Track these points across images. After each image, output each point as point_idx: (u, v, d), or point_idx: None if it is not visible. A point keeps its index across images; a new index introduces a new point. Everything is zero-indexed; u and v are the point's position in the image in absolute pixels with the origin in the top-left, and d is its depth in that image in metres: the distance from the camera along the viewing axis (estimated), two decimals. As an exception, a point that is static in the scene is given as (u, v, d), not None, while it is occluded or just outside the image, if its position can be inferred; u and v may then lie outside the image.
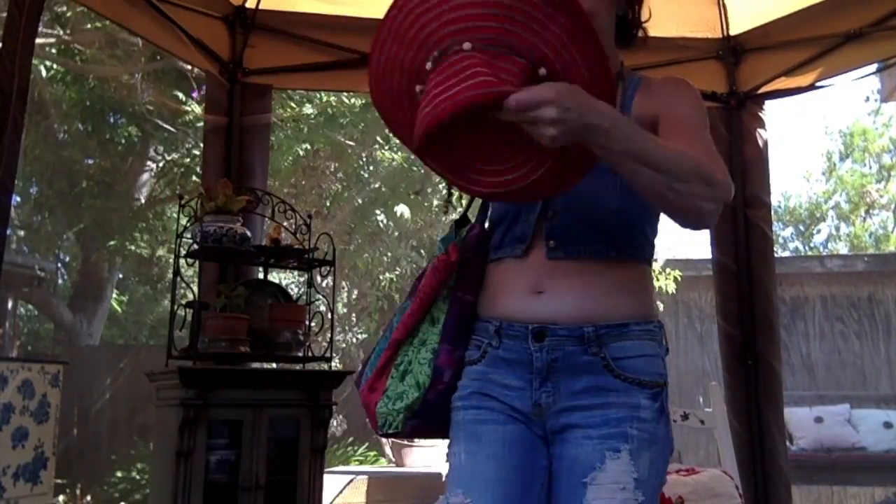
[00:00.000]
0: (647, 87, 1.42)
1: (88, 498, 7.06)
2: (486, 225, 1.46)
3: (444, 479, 1.43)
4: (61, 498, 6.79)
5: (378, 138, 7.05)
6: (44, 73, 7.10)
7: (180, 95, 6.90)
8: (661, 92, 1.40)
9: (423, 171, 6.90)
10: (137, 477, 6.91)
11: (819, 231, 16.53)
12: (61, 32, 6.80)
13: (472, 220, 1.49)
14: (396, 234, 7.15)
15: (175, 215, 3.23)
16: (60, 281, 10.93)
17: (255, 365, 3.01)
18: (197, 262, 2.96)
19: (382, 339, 1.48)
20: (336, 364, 7.05)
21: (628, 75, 1.45)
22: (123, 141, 7.85)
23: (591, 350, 1.30)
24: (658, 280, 7.42)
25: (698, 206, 1.19)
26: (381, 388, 1.42)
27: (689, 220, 1.23)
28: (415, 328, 1.43)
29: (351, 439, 7.82)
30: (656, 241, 1.44)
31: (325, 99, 6.78)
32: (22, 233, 9.37)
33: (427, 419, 1.40)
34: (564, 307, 1.30)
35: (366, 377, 1.46)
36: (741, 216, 3.38)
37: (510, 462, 1.32)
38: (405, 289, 7.33)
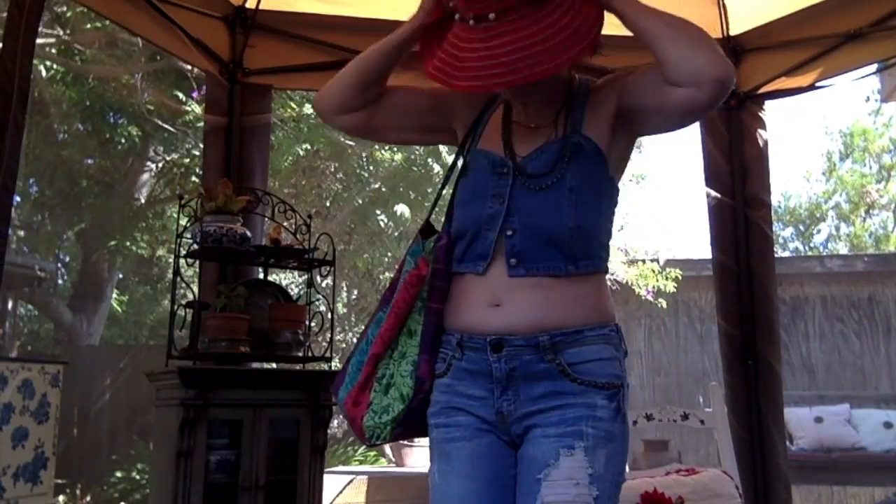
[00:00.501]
0: (595, 95, 1.46)
1: (88, 498, 7.06)
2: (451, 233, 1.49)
3: (430, 478, 1.47)
4: (61, 498, 6.79)
5: (378, 138, 7.04)
6: (44, 73, 7.10)
7: (180, 95, 6.90)
8: (611, 79, 1.47)
9: (423, 171, 6.91)
10: (137, 477, 6.91)
11: (819, 231, 16.53)
12: (61, 32, 6.80)
13: (438, 230, 1.52)
14: (396, 234, 7.15)
15: (175, 215, 3.22)
16: (60, 281, 10.93)
17: (255, 365, 3.01)
18: (197, 262, 2.96)
19: (359, 350, 1.51)
20: (336, 364, 7.03)
21: (577, 86, 1.48)
22: (123, 141, 7.84)
23: (546, 357, 1.35)
24: (658, 280, 7.43)
25: (707, 57, 1.29)
26: (365, 402, 1.46)
27: (699, 75, 1.28)
28: (393, 341, 1.47)
29: (351, 439, 7.81)
30: (610, 244, 1.47)
31: (325, 99, 6.77)
32: (22, 233, 9.36)
33: (410, 426, 1.46)
34: (520, 318, 1.35)
35: (346, 390, 1.49)
36: (741, 216, 3.38)
37: (481, 476, 1.39)
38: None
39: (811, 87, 3.31)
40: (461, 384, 1.42)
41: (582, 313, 1.37)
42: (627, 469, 2.93)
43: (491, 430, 1.40)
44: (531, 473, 1.33)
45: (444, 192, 1.64)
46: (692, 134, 4.00)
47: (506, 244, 1.38)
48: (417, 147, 6.97)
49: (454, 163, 1.56)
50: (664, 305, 7.60)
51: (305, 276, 3.03)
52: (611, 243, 1.48)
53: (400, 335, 1.47)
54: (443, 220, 1.54)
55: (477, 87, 1.33)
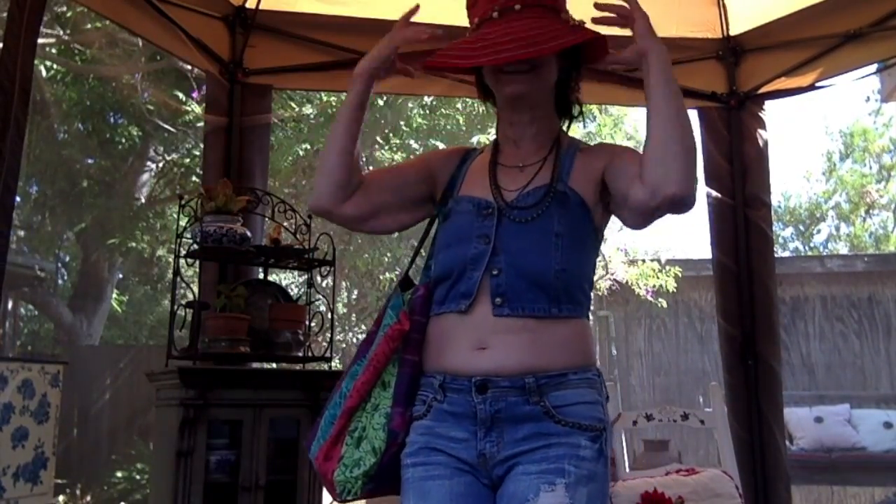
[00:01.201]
0: (587, 154, 1.50)
1: (88, 498, 7.06)
2: (429, 283, 1.50)
3: None
4: (61, 498, 6.79)
5: (378, 138, 7.06)
6: (44, 73, 7.10)
7: (180, 95, 6.90)
8: (603, 148, 1.53)
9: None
10: (137, 477, 6.91)
11: (819, 231, 16.54)
12: (61, 32, 6.80)
13: (416, 283, 1.53)
14: (397, 234, 7.14)
15: (175, 215, 3.22)
16: (60, 281, 10.93)
17: (255, 365, 3.01)
18: (197, 262, 2.96)
19: (333, 404, 1.49)
20: (336, 364, 7.04)
21: (567, 142, 1.53)
22: (123, 141, 7.85)
23: (532, 399, 1.35)
24: (658, 279, 7.43)
25: (680, 171, 1.32)
26: (336, 456, 1.44)
27: (662, 183, 1.33)
28: (367, 394, 1.46)
29: (351, 439, 7.82)
30: (592, 295, 1.52)
31: (325, 99, 6.78)
32: (22, 233, 9.36)
33: (382, 482, 1.44)
34: (507, 360, 1.35)
35: (318, 444, 1.47)
36: (741, 216, 3.38)
37: None
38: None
39: (811, 87, 3.31)
40: (441, 426, 1.41)
41: (566, 357, 1.38)
42: (627, 469, 2.94)
43: (470, 472, 1.39)
44: None
45: (422, 246, 1.66)
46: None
47: (491, 283, 1.38)
48: (417, 147, 6.98)
49: (433, 218, 1.59)
50: (664, 305, 7.60)
51: (305, 276, 3.03)
52: (594, 285, 1.51)
53: (374, 387, 1.46)
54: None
55: (499, 60, 1.38)
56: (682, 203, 1.33)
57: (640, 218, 1.40)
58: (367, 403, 1.46)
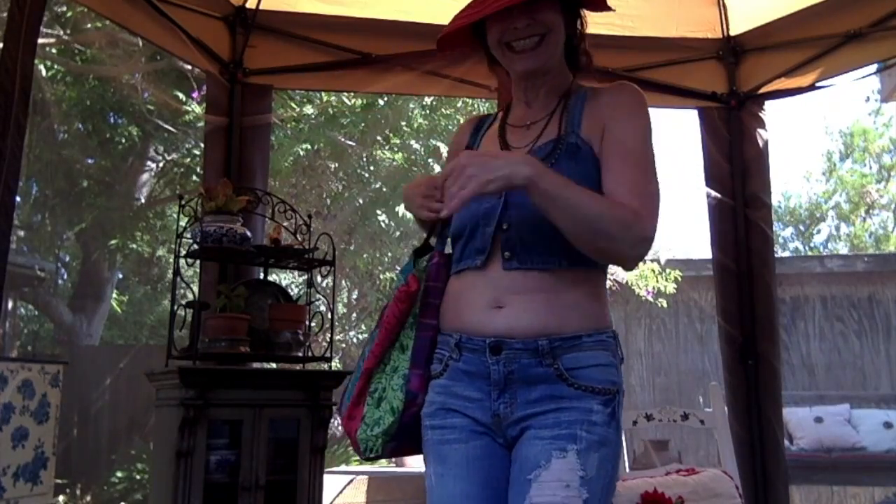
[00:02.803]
0: (594, 98, 1.48)
1: (88, 498, 7.06)
2: (446, 247, 1.52)
3: (427, 478, 1.48)
4: (61, 498, 6.79)
5: (378, 138, 7.06)
6: (44, 73, 7.10)
7: (180, 95, 6.90)
8: (609, 102, 1.46)
9: (424, 171, 6.90)
10: (137, 477, 6.91)
11: (819, 231, 16.54)
12: (61, 32, 6.79)
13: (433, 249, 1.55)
14: (397, 234, 7.15)
15: (175, 215, 3.22)
16: (60, 281, 10.93)
17: (256, 365, 3.01)
18: (197, 262, 2.96)
19: (357, 367, 1.54)
20: (336, 364, 7.05)
21: (575, 91, 1.51)
22: (123, 141, 7.84)
23: (545, 362, 1.35)
24: (658, 280, 7.43)
25: (617, 253, 1.35)
26: (358, 416, 1.48)
27: (613, 263, 1.39)
28: (384, 356, 1.49)
29: (351, 439, 7.81)
30: None
31: (325, 99, 6.78)
32: (22, 233, 9.36)
33: (404, 440, 1.46)
34: (520, 322, 1.36)
35: (345, 406, 1.52)
36: (741, 216, 3.38)
37: (476, 478, 1.39)
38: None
39: (811, 88, 3.31)
40: (457, 385, 1.42)
41: (580, 319, 1.37)
42: (627, 469, 2.94)
43: (486, 433, 1.40)
44: (522, 474, 1.33)
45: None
46: (692, 134, 4.00)
47: (501, 238, 1.40)
48: (418, 147, 6.98)
49: None
50: (664, 305, 7.60)
51: (305, 276, 3.03)
52: None
53: (392, 350, 1.49)
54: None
55: (501, 5, 1.37)
56: (641, 253, 1.36)
57: None
58: (387, 366, 1.49)
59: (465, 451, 1.40)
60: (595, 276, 1.43)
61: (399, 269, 1.57)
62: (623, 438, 1.42)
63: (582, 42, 1.53)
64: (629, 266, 1.39)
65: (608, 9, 1.47)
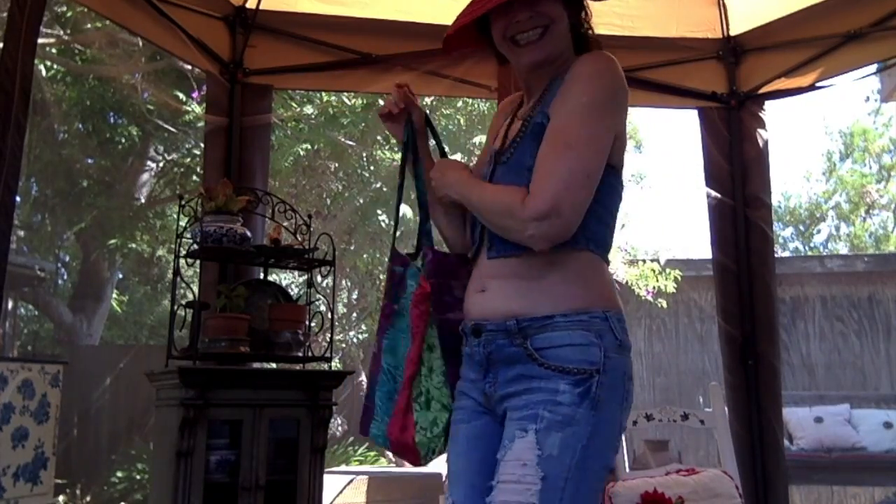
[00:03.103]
0: (568, 79, 1.46)
1: (88, 498, 7.06)
2: (433, 245, 1.61)
3: (444, 479, 1.50)
4: (61, 498, 6.79)
5: (378, 138, 7.05)
6: (44, 73, 7.10)
7: (180, 95, 6.90)
8: (570, 75, 1.45)
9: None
10: (137, 477, 6.91)
11: (819, 231, 16.53)
12: (61, 32, 6.79)
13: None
14: (398, 233, 7.14)
15: (175, 215, 3.22)
16: (60, 281, 10.93)
17: (256, 365, 3.01)
18: (197, 262, 2.96)
19: (381, 382, 1.58)
20: (336, 364, 7.05)
21: (567, 70, 1.48)
22: (123, 141, 7.84)
23: (515, 342, 1.40)
24: (658, 280, 7.43)
25: (517, 238, 1.39)
26: (411, 424, 1.52)
27: (522, 244, 1.41)
28: (419, 360, 1.55)
29: (351, 439, 7.82)
30: (607, 228, 1.48)
31: (325, 99, 6.78)
32: (22, 233, 9.36)
33: None
34: (493, 305, 1.43)
35: (384, 421, 1.55)
36: (741, 216, 3.38)
37: (474, 455, 1.47)
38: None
39: (811, 88, 3.31)
40: (465, 369, 1.52)
41: (553, 301, 1.39)
42: (627, 469, 2.94)
43: (486, 412, 1.47)
44: (496, 454, 1.40)
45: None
46: (692, 134, 4.00)
47: (487, 230, 1.48)
48: (418, 147, 6.97)
49: (402, 181, 1.78)
50: (664, 305, 7.60)
51: (305, 276, 3.03)
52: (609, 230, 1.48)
53: (422, 353, 1.55)
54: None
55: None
56: (541, 234, 1.36)
57: None
58: (422, 368, 1.54)
59: (467, 431, 1.48)
60: (577, 259, 1.41)
61: (409, 275, 1.60)
62: (615, 418, 1.38)
63: (588, 28, 1.54)
64: (537, 245, 1.37)
65: None
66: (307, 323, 2.87)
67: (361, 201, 7.14)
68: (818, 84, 3.29)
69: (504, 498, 1.32)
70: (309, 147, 6.76)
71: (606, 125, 1.40)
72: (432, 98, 6.82)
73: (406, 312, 1.56)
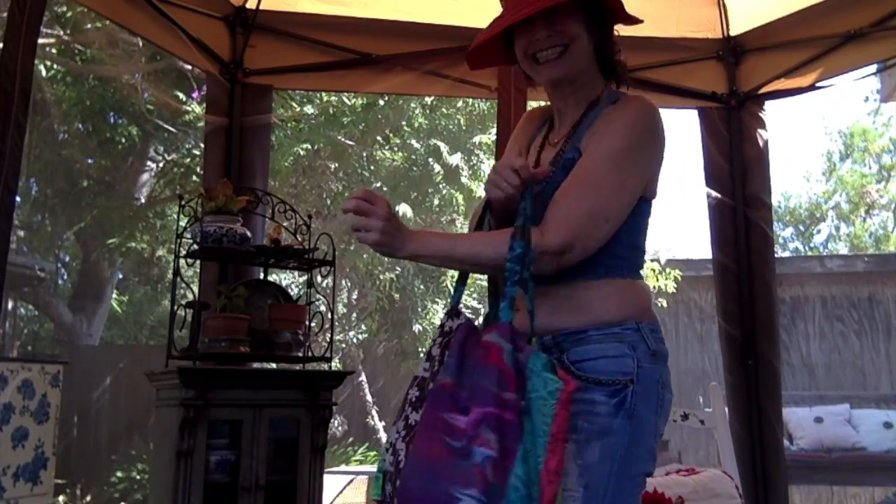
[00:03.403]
0: (605, 114, 1.50)
1: (88, 498, 7.06)
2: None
3: None
4: (61, 498, 6.80)
5: (378, 138, 7.06)
6: (44, 73, 7.10)
7: (180, 95, 6.90)
8: (608, 115, 1.49)
9: (424, 170, 6.91)
10: (137, 477, 6.92)
11: (819, 231, 16.53)
12: (61, 32, 6.80)
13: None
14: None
15: (175, 215, 3.23)
16: (60, 281, 10.93)
17: (256, 365, 3.01)
18: (197, 262, 2.96)
19: (514, 501, 1.21)
20: (336, 364, 7.04)
21: (604, 100, 1.53)
22: (123, 141, 7.85)
23: (553, 355, 1.40)
24: (658, 280, 7.43)
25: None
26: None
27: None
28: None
29: (351, 439, 7.82)
30: (637, 251, 1.52)
31: (325, 99, 6.78)
32: (22, 233, 9.36)
33: None
34: (532, 322, 1.40)
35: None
36: (741, 216, 3.39)
37: None
38: (406, 289, 7.32)
39: (811, 88, 3.31)
40: None
41: (587, 317, 1.43)
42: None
43: None
44: None
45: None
46: (692, 134, 4.00)
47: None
48: (418, 146, 6.98)
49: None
50: (664, 305, 7.60)
51: (305, 276, 3.03)
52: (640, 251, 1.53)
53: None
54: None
55: (519, 17, 1.43)
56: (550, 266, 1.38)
57: None
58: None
59: None
60: (612, 284, 1.46)
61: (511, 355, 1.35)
62: (650, 426, 1.42)
63: (615, 52, 1.56)
64: (542, 272, 1.38)
65: (636, 21, 1.50)
66: (307, 323, 2.87)
67: (361, 201, 7.13)
68: (818, 84, 3.29)
69: None
70: (309, 147, 6.76)
71: (640, 171, 1.46)
72: (432, 98, 6.82)
73: (533, 411, 1.27)
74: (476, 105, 7.05)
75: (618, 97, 1.54)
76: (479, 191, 6.72)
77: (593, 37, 1.51)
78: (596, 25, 1.51)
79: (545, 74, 1.51)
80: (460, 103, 7.08)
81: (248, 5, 3.24)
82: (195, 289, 2.84)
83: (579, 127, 1.51)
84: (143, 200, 8.57)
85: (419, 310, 7.35)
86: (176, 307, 2.66)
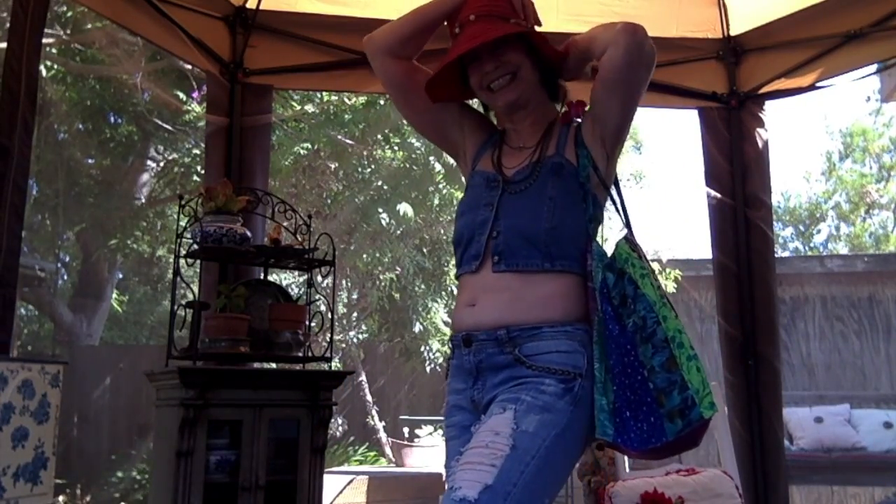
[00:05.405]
0: (582, 122, 1.67)
1: (88, 498, 7.06)
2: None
3: (444, 479, 1.51)
4: (61, 498, 6.80)
5: (378, 137, 7.05)
6: (44, 72, 7.09)
7: (181, 95, 6.90)
8: (587, 113, 1.67)
9: (424, 170, 6.91)
10: (137, 477, 6.92)
11: (819, 231, 16.53)
12: (62, 32, 6.79)
13: None
14: (398, 233, 7.14)
15: (175, 215, 3.23)
16: (60, 281, 10.92)
17: (256, 365, 3.01)
18: (197, 262, 2.96)
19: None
20: (336, 364, 7.04)
21: (564, 122, 1.70)
22: (123, 141, 7.85)
23: (506, 350, 1.51)
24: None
25: (616, 29, 1.61)
26: None
27: (612, 39, 1.61)
28: None
29: (351, 439, 7.82)
30: (587, 253, 1.60)
31: (325, 98, 6.78)
32: (22, 233, 9.35)
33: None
34: (484, 316, 1.54)
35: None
36: (741, 216, 3.39)
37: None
38: (406, 288, 7.32)
39: (811, 88, 3.32)
40: (453, 380, 1.62)
41: (542, 313, 1.51)
42: (627, 469, 2.94)
43: (476, 422, 1.52)
44: (472, 428, 1.49)
45: None
46: (692, 134, 4.00)
47: (492, 244, 1.57)
48: (419, 146, 6.98)
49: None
50: (664, 305, 7.59)
51: (305, 276, 3.03)
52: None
53: None
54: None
55: (468, 47, 1.60)
56: (635, 34, 1.63)
57: (615, 75, 1.62)
58: None
59: (458, 446, 1.53)
60: (573, 277, 1.55)
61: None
62: (589, 423, 1.46)
63: (556, 77, 1.71)
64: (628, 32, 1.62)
65: (562, 55, 1.67)
66: (307, 323, 2.88)
67: (362, 199, 7.14)
68: (818, 84, 3.29)
69: (468, 459, 1.38)
70: (309, 147, 6.75)
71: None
72: (432, 98, 6.80)
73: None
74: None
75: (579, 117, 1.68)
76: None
77: (536, 64, 1.65)
78: (535, 54, 1.65)
79: (501, 99, 1.65)
80: (460, 103, 7.06)
81: (248, 5, 3.24)
82: (195, 289, 2.84)
83: (552, 139, 1.65)
84: (143, 200, 8.57)
85: (420, 309, 7.35)
86: (176, 307, 2.66)
